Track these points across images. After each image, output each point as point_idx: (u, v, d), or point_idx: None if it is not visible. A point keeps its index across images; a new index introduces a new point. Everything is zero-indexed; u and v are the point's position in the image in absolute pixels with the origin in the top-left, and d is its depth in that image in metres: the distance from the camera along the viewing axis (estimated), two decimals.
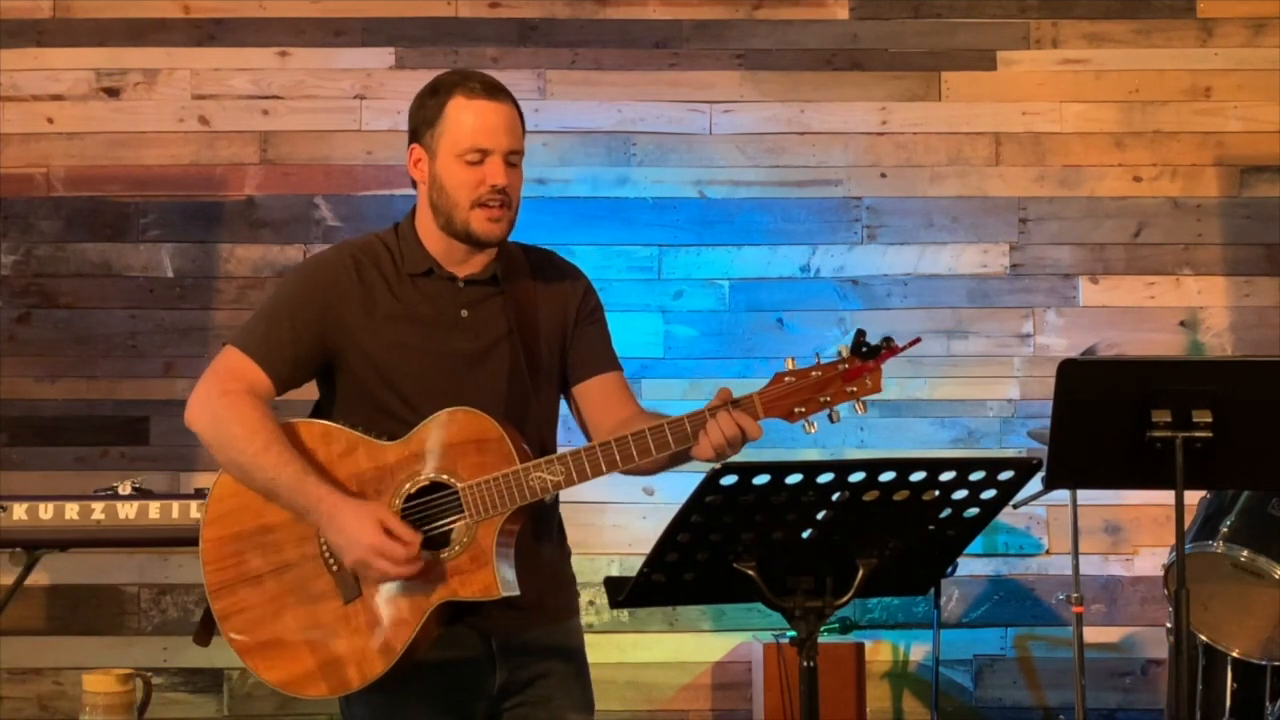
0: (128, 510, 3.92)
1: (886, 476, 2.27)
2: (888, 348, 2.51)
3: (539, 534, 2.74)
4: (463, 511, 2.59)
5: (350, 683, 2.61)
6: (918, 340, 2.54)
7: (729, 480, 2.23)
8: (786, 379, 2.54)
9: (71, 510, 3.90)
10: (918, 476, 2.29)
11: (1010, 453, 5.28)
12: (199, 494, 3.99)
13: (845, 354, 2.53)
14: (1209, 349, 5.41)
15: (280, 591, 2.64)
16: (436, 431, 2.61)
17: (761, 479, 2.24)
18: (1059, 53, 5.53)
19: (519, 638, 2.72)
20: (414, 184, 2.75)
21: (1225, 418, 3.13)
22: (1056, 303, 5.45)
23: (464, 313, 2.72)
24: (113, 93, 5.41)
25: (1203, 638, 4.16)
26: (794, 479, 2.26)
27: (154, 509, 3.92)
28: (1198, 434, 3.13)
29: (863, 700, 4.93)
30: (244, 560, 2.66)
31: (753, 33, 5.49)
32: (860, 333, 2.53)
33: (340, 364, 2.71)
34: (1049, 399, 3.26)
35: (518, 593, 2.59)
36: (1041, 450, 3.95)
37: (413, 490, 2.62)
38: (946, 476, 2.30)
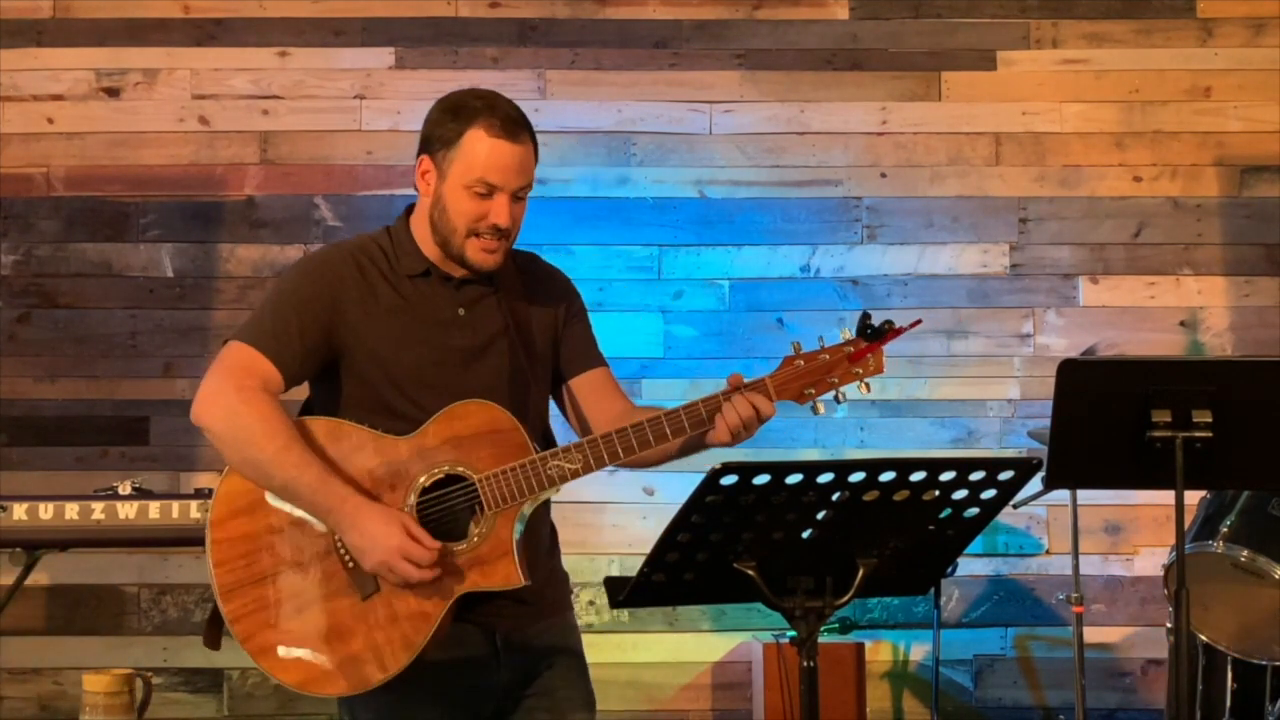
0: (128, 510, 3.92)
1: (886, 476, 2.27)
2: (890, 329, 2.60)
3: (535, 530, 2.76)
4: (479, 502, 2.60)
5: (370, 679, 2.59)
6: (918, 322, 2.62)
7: (729, 480, 2.23)
8: (796, 362, 2.61)
9: (71, 510, 3.90)
10: (918, 476, 2.29)
11: (1010, 453, 5.28)
12: (199, 494, 4.00)
13: (850, 336, 2.62)
14: (1209, 349, 5.41)
15: (293, 590, 2.62)
16: (449, 424, 2.62)
17: (762, 479, 2.24)
18: (1059, 53, 5.53)
19: (522, 633, 2.74)
20: (416, 188, 2.76)
21: (1225, 418, 3.13)
22: (1056, 303, 5.45)
23: (461, 311, 2.74)
24: (113, 93, 5.41)
25: (1203, 638, 4.16)
26: (794, 479, 2.26)
27: (154, 509, 3.93)
28: (1198, 434, 3.13)
29: (863, 700, 4.93)
30: (255, 560, 2.62)
31: (753, 33, 5.49)
32: (865, 315, 2.62)
33: (344, 360, 2.70)
34: (1049, 399, 3.26)
35: (530, 582, 2.62)
36: (1041, 450, 3.94)
37: (428, 484, 2.62)
38: (946, 476, 2.30)
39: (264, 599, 2.61)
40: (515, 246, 2.81)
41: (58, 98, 5.40)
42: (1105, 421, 3.20)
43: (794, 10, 5.51)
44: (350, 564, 2.61)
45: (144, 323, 5.34)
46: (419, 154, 2.73)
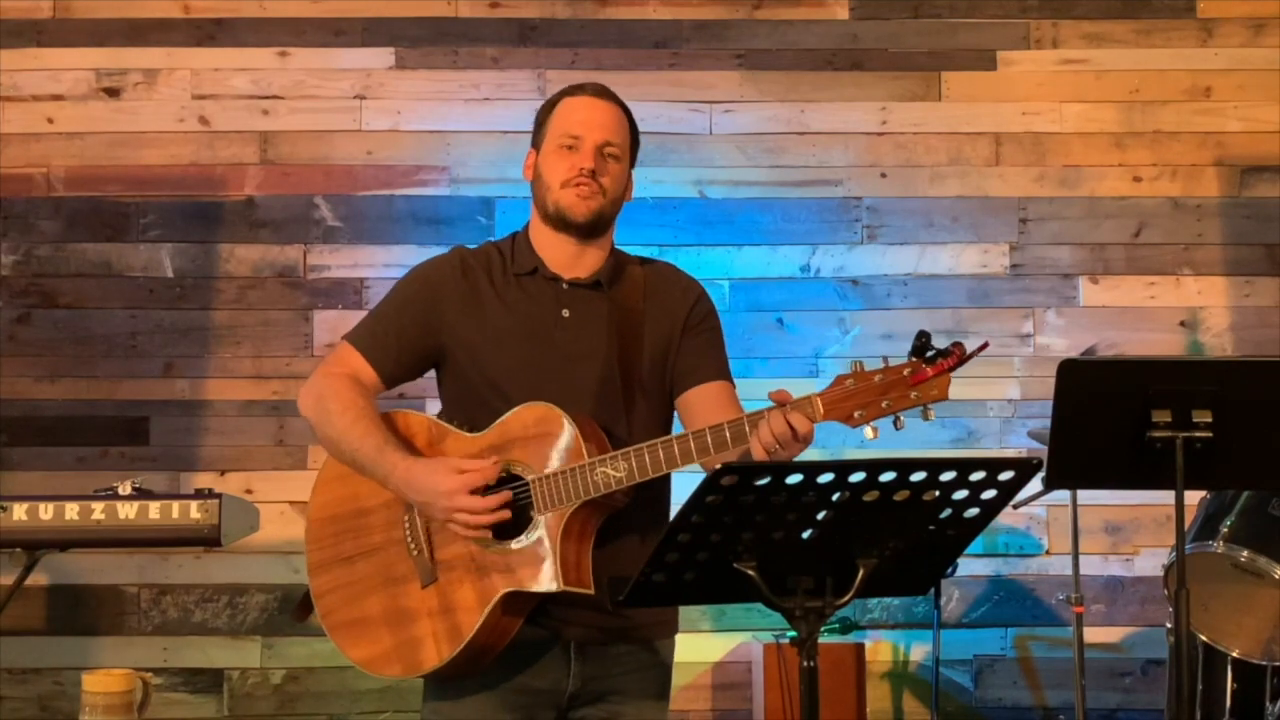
0: (128, 510, 3.92)
1: (887, 477, 2.27)
2: (955, 352, 2.43)
3: (642, 548, 2.71)
4: (533, 503, 2.63)
5: (422, 664, 2.67)
6: (986, 345, 2.45)
7: (729, 480, 2.23)
8: (848, 381, 2.49)
9: (71, 510, 3.90)
10: (918, 476, 2.29)
11: (1010, 453, 5.28)
12: (199, 494, 3.99)
13: (914, 360, 2.45)
14: (1209, 349, 5.41)
15: (367, 573, 2.73)
16: (514, 424, 2.68)
17: (762, 479, 2.24)
18: (1059, 53, 5.53)
19: (600, 646, 2.75)
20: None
21: (1225, 418, 3.13)
22: (1056, 303, 5.45)
23: (565, 312, 2.78)
24: (113, 93, 5.41)
25: (1203, 638, 4.16)
26: (794, 479, 2.25)
27: (154, 509, 3.92)
28: (1198, 434, 3.12)
29: (863, 700, 4.93)
30: (339, 542, 2.77)
31: (753, 33, 5.49)
32: (924, 335, 2.45)
33: (445, 360, 2.81)
34: (1049, 399, 3.25)
35: (591, 591, 2.61)
36: (1041, 450, 3.94)
37: (492, 481, 2.66)
38: (947, 476, 2.30)
39: (342, 579, 2.75)
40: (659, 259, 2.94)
41: (58, 98, 5.40)
42: (1105, 421, 3.20)
43: (794, 10, 5.51)
44: (415, 551, 2.69)
45: (144, 323, 5.34)
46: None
